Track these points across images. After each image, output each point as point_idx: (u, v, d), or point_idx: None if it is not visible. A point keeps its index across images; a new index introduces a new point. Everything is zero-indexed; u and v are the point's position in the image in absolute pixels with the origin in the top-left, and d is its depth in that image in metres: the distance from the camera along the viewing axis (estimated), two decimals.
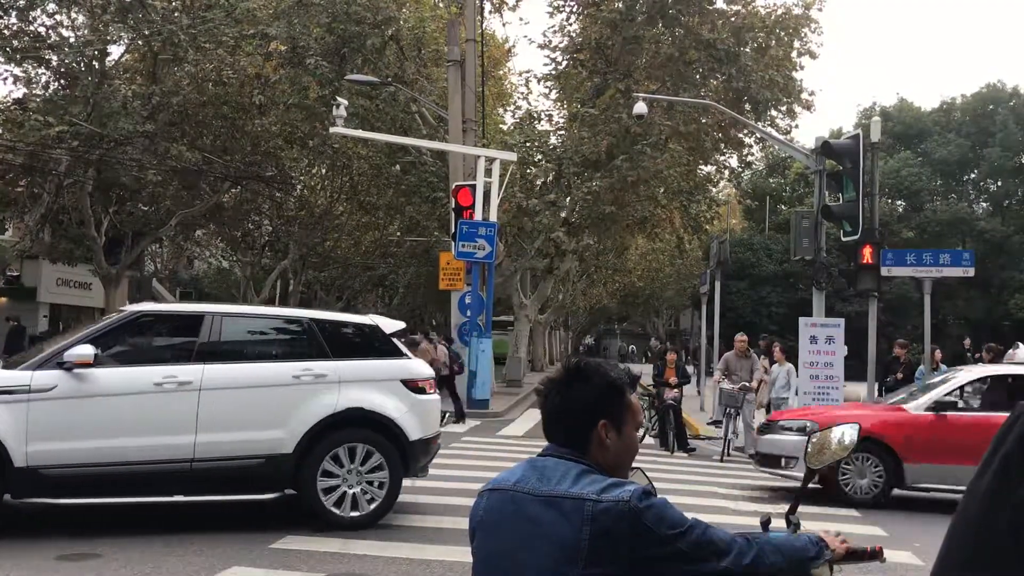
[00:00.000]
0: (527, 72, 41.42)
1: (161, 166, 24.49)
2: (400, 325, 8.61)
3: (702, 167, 30.34)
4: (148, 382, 7.06)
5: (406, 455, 7.65)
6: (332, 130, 19.44)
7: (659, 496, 1.88)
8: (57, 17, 24.11)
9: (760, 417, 14.82)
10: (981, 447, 1.09)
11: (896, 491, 10.10)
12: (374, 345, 8.00)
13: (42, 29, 23.64)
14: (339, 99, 18.78)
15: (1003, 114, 49.98)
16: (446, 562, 6.41)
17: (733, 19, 24.47)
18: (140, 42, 24.14)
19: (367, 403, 7.54)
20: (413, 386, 7.85)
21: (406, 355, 8.14)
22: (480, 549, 1.98)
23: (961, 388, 10.53)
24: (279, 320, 8.21)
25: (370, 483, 7.47)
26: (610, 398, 2.02)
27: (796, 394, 14.70)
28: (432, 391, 8.16)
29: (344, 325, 8.25)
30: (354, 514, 7.40)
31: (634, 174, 23.01)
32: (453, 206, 17.67)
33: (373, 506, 7.47)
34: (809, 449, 2.47)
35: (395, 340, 8.14)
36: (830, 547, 2.02)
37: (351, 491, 7.41)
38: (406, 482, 9.81)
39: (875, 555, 2.10)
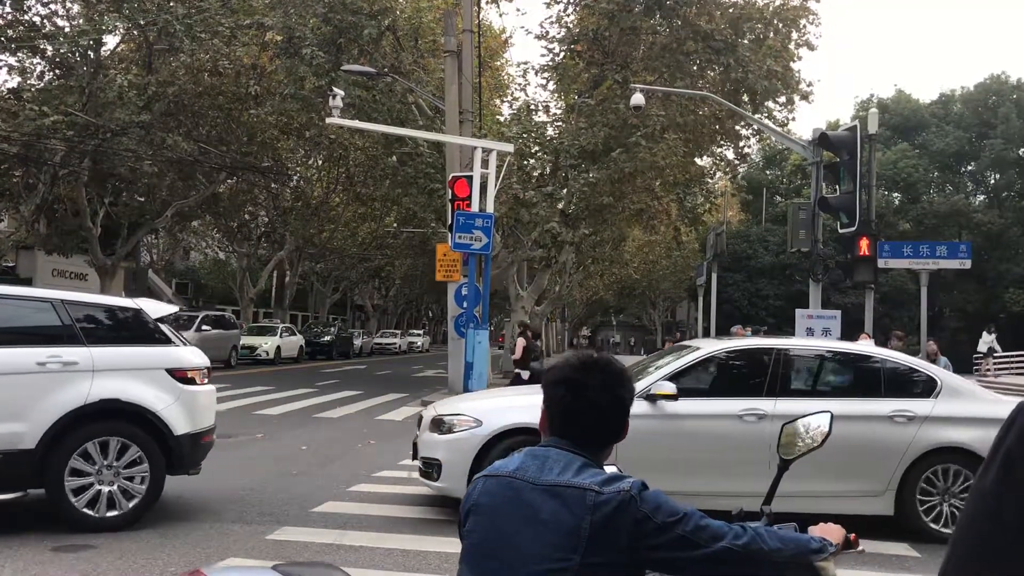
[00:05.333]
0: (524, 63, 41.41)
1: (157, 156, 24.44)
2: (171, 309, 7.95)
3: (699, 160, 30.33)
4: None
5: (171, 451, 7.02)
6: (328, 121, 19.37)
7: (653, 488, 1.93)
8: (52, 6, 24.05)
9: None
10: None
11: None
12: (137, 331, 7.31)
13: (37, 19, 23.58)
14: (335, 90, 18.71)
15: (1007, 106, 49.88)
16: (443, 554, 6.41)
17: (731, 10, 24.42)
18: (135, 32, 24.08)
19: (125, 394, 6.88)
20: (181, 376, 7.20)
21: (175, 342, 7.46)
22: (473, 532, 1.99)
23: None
24: (24, 301, 7.15)
25: (129, 480, 6.84)
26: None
27: None
28: (204, 381, 7.47)
29: (101, 308, 7.42)
30: (109, 514, 6.74)
31: (631, 166, 22.99)
32: (450, 197, 17.63)
33: (131, 505, 6.82)
34: (781, 440, 2.44)
35: (163, 326, 7.44)
36: (834, 542, 2.02)
37: (105, 489, 6.74)
38: (401, 473, 9.81)
39: (849, 544, 2.09)
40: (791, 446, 2.41)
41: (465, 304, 17.78)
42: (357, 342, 45.83)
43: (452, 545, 6.59)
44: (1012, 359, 30.94)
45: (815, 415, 2.46)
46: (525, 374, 14.98)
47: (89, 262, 28.67)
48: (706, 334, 29.86)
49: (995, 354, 29.39)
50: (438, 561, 6.27)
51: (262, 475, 9.48)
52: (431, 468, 7.67)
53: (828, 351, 8.66)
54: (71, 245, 28.63)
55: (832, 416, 2.41)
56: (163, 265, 43.35)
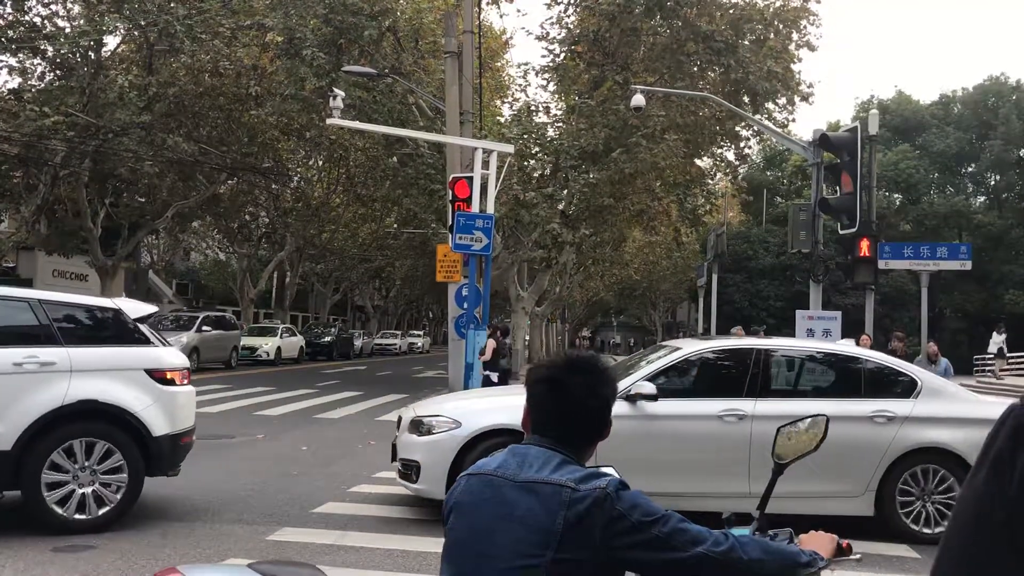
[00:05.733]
0: (525, 64, 41.39)
1: (157, 157, 24.45)
2: (150, 309, 7.85)
3: (699, 161, 30.33)
4: None
5: (150, 452, 6.94)
6: (329, 121, 19.38)
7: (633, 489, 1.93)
8: (53, 7, 24.09)
9: None
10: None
11: None
12: (115, 331, 7.24)
13: (38, 19, 23.60)
14: (336, 90, 18.71)
15: (1007, 107, 49.84)
16: None
17: (731, 11, 24.42)
18: (136, 32, 24.08)
19: (103, 394, 6.81)
20: (160, 377, 7.12)
21: (153, 342, 7.38)
22: (454, 530, 2.03)
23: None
24: (0, 301, 6.99)
25: (106, 483, 6.76)
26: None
27: None
28: (184, 383, 7.40)
29: (79, 308, 7.30)
30: (84, 516, 6.68)
31: (631, 166, 23.00)
32: (450, 198, 17.64)
33: (108, 508, 6.75)
34: (776, 443, 2.43)
35: (142, 326, 7.36)
36: (825, 553, 2.00)
37: (84, 491, 6.67)
38: (392, 474, 9.82)
39: (842, 552, 2.07)
40: (786, 449, 2.39)
41: (465, 305, 17.77)
42: (357, 343, 45.83)
43: None
44: (1013, 359, 30.86)
45: (810, 418, 2.43)
46: (494, 376, 14.92)
47: (89, 263, 28.66)
48: (706, 335, 29.80)
49: (1007, 355, 28.89)
50: (438, 562, 6.26)
51: (262, 476, 9.48)
52: (410, 470, 7.60)
53: (808, 352, 8.61)
54: (71, 246, 28.63)
55: (828, 420, 2.40)
56: (164, 266, 43.34)
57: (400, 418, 8.39)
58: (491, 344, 15.51)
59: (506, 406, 7.72)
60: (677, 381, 7.90)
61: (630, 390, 7.36)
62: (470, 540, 1.98)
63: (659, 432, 7.42)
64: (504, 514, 1.92)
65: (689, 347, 8.14)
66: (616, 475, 2.02)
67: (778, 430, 2.46)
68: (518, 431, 8.68)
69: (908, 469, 7.43)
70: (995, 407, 8.02)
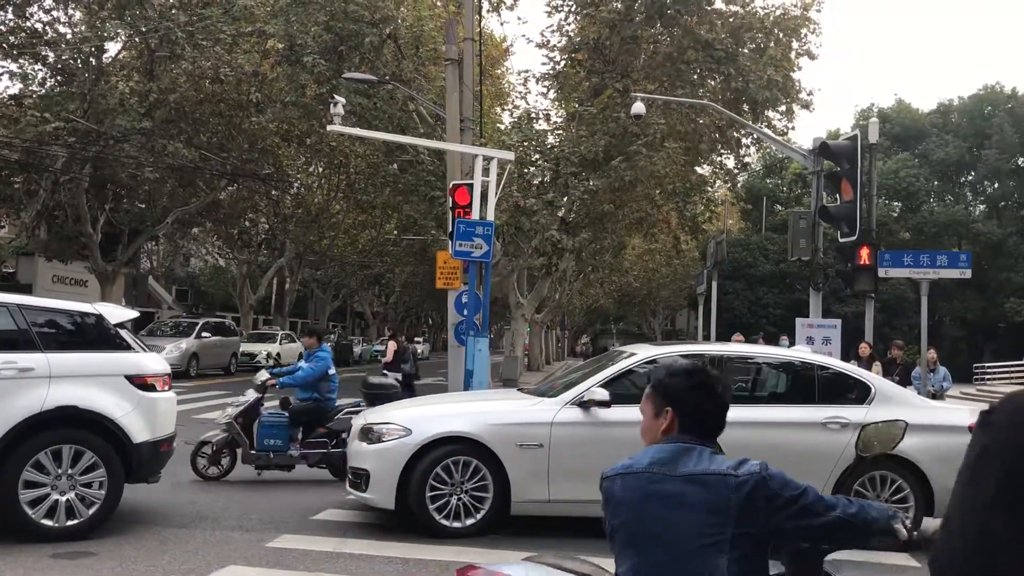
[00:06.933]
0: (525, 72, 41.26)
1: (158, 163, 24.46)
2: (131, 314, 7.78)
3: (699, 169, 30.37)
4: None
5: (130, 459, 6.85)
6: (329, 128, 19.40)
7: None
8: (54, 13, 24.14)
9: None
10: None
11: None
12: (96, 336, 7.13)
13: (39, 25, 23.67)
14: (336, 97, 18.73)
15: (1000, 116, 49.97)
16: (442, 562, 6.40)
17: (731, 19, 24.44)
18: (137, 39, 24.12)
19: (83, 401, 6.69)
20: (140, 383, 7.04)
21: (134, 348, 7.29)
22: (625, 525, 2.31)
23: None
24: None
25: (87, 488, 6.67)
26: None
27: None
28: (165, 388, 7.33)
29: (59, 313, 7.18)
30: (62, 523, 6.56)
31: (631, 174, 23.01)
32: (450, 205, 17.65)
33: (87, 515, 6.65)
34: (860, 439, 2.79)
35: (123, 331, 7.29)
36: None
37: (62, 498, 6.56)
38: None
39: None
40: (869, 446, 2.76)
41: (465, 311, 17.78)
42: (357, 349, 45.78)
43: (451, 552, 6.58)
44: (1013, 368, 30.81)
45: (891, 422, 2.80)
46: (394, 377, 14.77)
47: (89, 268, 28.66)
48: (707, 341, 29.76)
49: None
50: (437, 569, 6.26)
51: (261, 482, 9.47)
52: (359, 478, 7.42)
53: (763, 358, 8.56)
54: (71, 251, 28.62)
55: (906, 426, 2.73)
56: (163, 272, 43.35)
57: (351, 425, 8.26)
58: (392, 346, 15.51)
59: (457, 413, 7.63)
60: (631, 387, 7.71)
61: (583, 396, 7.26)
62: (646, 530, 2.27)
63: (612, 439, 7.12)
64: (674, 504, 2.24)
65: (644, 352, 8.01)
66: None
67: (862, 427, 2.80)
68: (468, 438, 8.53)
69: (861, 476, 7.38)
70: (949, 413, 8.01)
